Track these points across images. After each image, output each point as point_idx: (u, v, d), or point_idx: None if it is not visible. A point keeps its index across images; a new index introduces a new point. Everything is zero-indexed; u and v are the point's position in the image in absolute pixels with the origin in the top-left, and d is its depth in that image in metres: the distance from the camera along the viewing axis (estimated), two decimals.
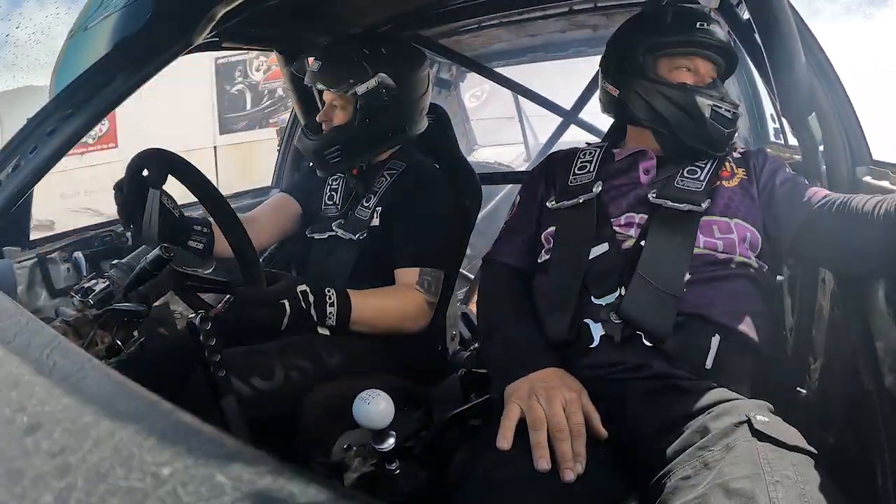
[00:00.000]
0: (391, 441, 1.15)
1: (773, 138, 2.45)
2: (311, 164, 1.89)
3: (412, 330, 1.60)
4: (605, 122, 1.66)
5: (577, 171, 1.49)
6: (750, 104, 2.59)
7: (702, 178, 1.38)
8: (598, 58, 1.59)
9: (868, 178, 1.42)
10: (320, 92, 1.82)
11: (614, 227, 1.35)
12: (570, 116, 3.08)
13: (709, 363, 1.18)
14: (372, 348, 1.58)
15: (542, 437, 1.06)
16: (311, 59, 1.78)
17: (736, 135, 1.46)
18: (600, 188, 1.41)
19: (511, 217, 1.56)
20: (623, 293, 1.24)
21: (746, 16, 1.54)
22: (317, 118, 1.78)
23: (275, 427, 1.37)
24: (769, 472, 0.95)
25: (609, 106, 1.55)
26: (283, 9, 1.83)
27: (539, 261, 1.43)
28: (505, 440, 1.07)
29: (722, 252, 1.29)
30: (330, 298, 1.45)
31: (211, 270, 1.67)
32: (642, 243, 1.29)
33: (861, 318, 1.19)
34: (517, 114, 4.83)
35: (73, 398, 0.43)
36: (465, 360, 1.78)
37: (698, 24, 1.42)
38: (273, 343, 1.52)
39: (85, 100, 1.39)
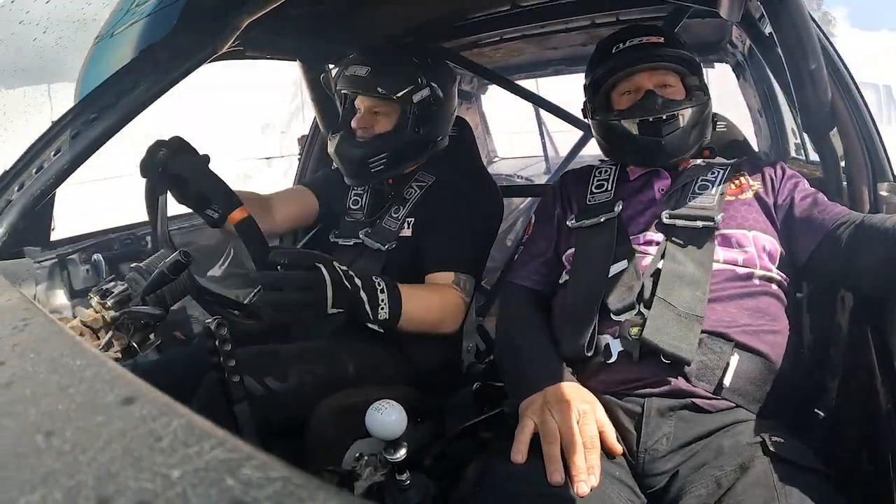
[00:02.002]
0: (403, 452, 1.14)
1: (793, 153, 2.43)
2: (338, 169, 1.86)
3: (447, 331, 1.59)
4: None
5: (594, 190, 1.50)
6: (771, 119, 2.57)
7: (713, 192, 1.38)
8: None
9: (889, 195, 1.41)
10: (350, 99, 1.80)
11: (633, 245, 1.35)
12: (590, 130, 3.08)
13: (727, 382, 1.17)
14: (388, 358, 1.58)
15: (556, 450, 1.06)
16: (352, 66, 1.74)
17: (706, 132, 1.49)
18: (621, 207, 1.41)
19: (528, 238, 1.56)
20: (642, 310, 1.24)
21: (769, 30, 1.53)
22: (352, 124, 1.76)
23: (287, 432, 1.37)
24: (783, 494, 0.94)
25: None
26: (306, 19, 1.85)
27: (560, 281, 1.43)
28: (519, 454, 1.07)
29: (742, 266, 1.28)
30: (379, 285, 1.38)
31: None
32: (660, 265, 1.29)
33: (880, 337, 1.17)
34: (538, 127, 4.82)
35: (87, 398, 0.43)
36: (480, 373, 1.77)
37: (614, 48, 1.47)
38: (291, 346, 1.52)
39: (109, 104, 1.41)
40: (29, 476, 0.33)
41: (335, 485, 1.20)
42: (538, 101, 3.11)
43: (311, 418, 1.39)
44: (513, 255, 2.42)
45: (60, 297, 1.56)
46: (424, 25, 2.14)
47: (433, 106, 1.73)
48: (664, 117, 1.40)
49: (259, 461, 0.33)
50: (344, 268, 1.31)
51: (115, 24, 1.53)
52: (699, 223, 1.32)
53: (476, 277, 1.67)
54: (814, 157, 1.78)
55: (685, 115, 1.41)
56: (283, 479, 0.31)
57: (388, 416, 1.10)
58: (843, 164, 1.50)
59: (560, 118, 3.04)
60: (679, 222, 1.34)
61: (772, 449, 1.04)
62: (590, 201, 1.48)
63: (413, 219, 1.70)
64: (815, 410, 1.30)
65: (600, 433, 1.10)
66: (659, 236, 1.35)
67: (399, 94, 1.68)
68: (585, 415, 1.11)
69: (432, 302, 1.53)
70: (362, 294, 1.33)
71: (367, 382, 1.50)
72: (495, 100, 4.06)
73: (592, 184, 1.52)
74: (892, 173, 1.48)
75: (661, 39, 1.45)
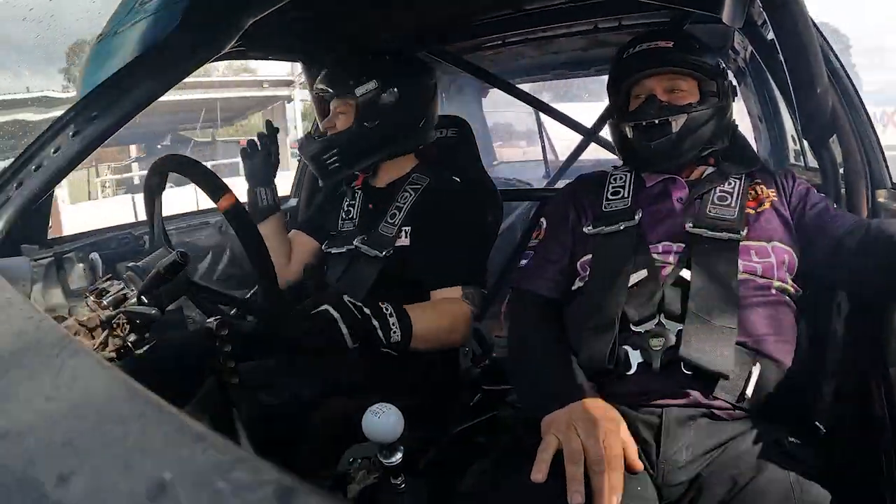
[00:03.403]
0: (398, 455, 1.14)
1: (792, 160, 2.43)
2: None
3: (457, 343, 1.61)
4: None
5: (610, 196, 1.48)
6: (771, 125, 2.58)
7: (733, 204, 1.37)
8: None
9: (887, 201, 1.41)
10: (329, 102, 1.82)
11: (652, 255, 1.33)
12: (590, 135, 3.07)
13: (749, 393, 1.16)
14: (385, 364, 1.56)
15: (579, 471, 1.03)
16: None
17: (712, 138, 1.46)
18: (640, 215, 1.40)
19: (540, 243, 1.52)
20: (662, 320, 1.23)
21: (771, 36, 1.53)
22: (322, 125, 1.80)
23: (282, 438, 1.36)
24: (799, 492, 0.96)
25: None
26: (308, 20, 1.86)
27: (573, 288, 1.41)
28: (540, 473, 1.03)
29: (761, 276, 1.27)
30: (387, 309, 1.40)
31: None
32: (683, 274, 1.27)
33: (875, 342, 1.17)
34: (538, 131, 4.83)
35: (80, 398, 0.43)
36: (476, 377, 1.77)
37: (626, 52, 1.49)
38: (284, 358, 1.52)
39: (110, 103, 1.41)
40: (17, 480, 0.33)
41: (327, 488, 1.20)
42: (539, 105, 3.11)
43: (307, 424, 1.38)
44: (510, 259, 2.43)
45: (57, 296, 1.56)
46: (427, 27, 2.15)
47: (384, 100, 1.72)
48: (656, 122, 1.40)
49: (251, 464, 0.33)
50: (351, 300, 1.34)
51: (118, 22, 1.53)
52: (724, 234, 1.31)
53: (482, 287, 1.66)
54: (813, 163, 1.78)
55: (678, 121, 1.40)
56: (275, 482, 0.31)
57: (385, 420, 1.10)
58: (841, 170, 1.50)
59: (560, 122, 3.05)
60: (705, 233, 1.32)
61: (788, 450, 1.05)
62: (606, 208, 1.46)
63: (409, 227, 1.69)
64: (816, 424, 1.30)
65: (624, 451, 1.07)
66: (679, 246, 1.33)
67: (341, 90, 1.72)
68: (611, 433, 1.07)
69: (442, 318, 1.53)
70: (374, 322, 1.35)
71: (364, 388, 1.49)
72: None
73: (608, 190, 1.50)
74: (891, 180, 1.48)
75: (671, 44, 1.44)
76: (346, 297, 1.33)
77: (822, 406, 1.31)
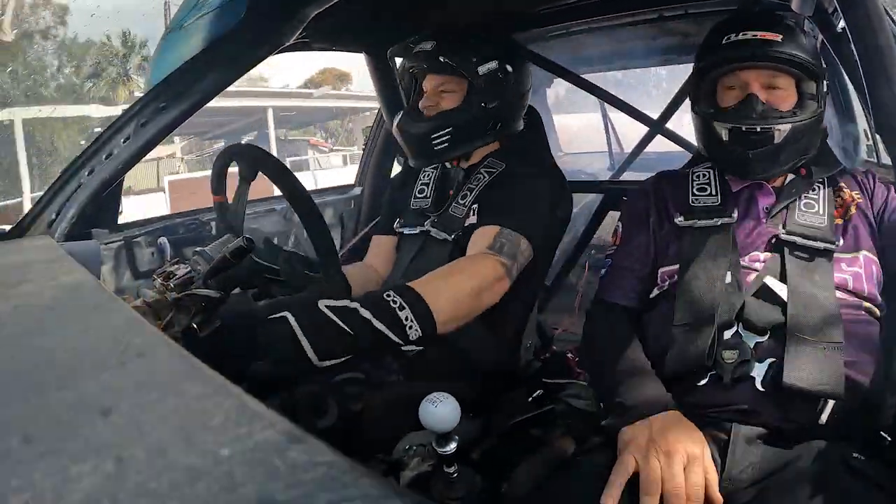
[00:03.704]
0: (453, 445, 1.14)
1: (864, 156, 2.32)
2: (403, 156, 1.82)
3: (494, 300, 1.39)
4: (692, 133, 1.58)
5: (696, 192, 1.40)
6: (842, 118, 2.46)
7: (821, 212, 1.29)
8: (688, 66, 1.53)
9: None
10: (418, 80, 1.75)
11: (740, 259, 1.26)
12: (656, 126, 3.00)
13: (823, 419, 1.09)
14: (440, 355, 1.54)
15: (655, 501, 1.00)
16: (419, 43, 1.69)
17: (809, 147, 1.34)
18: (736, 214, 1.32)
19: (619, 250, 1.45)
20: (740, 330, 1.17)
21: (842, 24, 1.46)
22: (420, 105, 1.70)
23: (341, 428, 1.37)
24: None
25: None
26: (373, 11, 1.86)
27: (651, 296, 1.36)
28: (611, 499, 1.00)
29: (851, 290, 1.20)
30: (395, 301, 1.15)
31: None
32: (770, 284, 1.20)
33: None
34: (603, 122, 4.74)
35: (144, 375, 0.44)
36: (536, 371, 1.75)
37: (724, 38, 1.33)
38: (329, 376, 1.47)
39: (178, 94, 1.46)
40: (83, 446, 0.34)
41: (382, 473, 1.21)
42: (605, 96, 3.06)
43: (365, 409, 1.39)
44: (571, 252, 2.40)
45: (126, 278, 1.62)
46: (491, 16, 2.13)
47: (502, 81, 1.67)
48: (758, 129, 1.27)
49: (307, 445, 0.33)
50: (343, 302, 1.10)
51: (185, 16, 1.58)
52: (820, 244, 1.23)
53: (527, 237, 1.50)
54: (886, 159, 1.69)
55: (782, 129, 1.27)
56: (329, 464, 0.31)
57: (441, 409, 1.10)
58: None
59: (627, 113, 2.98)
60: (799, 240, 1.24)
61: (854, 465, 0.99)
62: (694, 203, 1.38)
63: (477, 205, 1.63)
64: (882, 434, 1.24)
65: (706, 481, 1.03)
66: (766, 255, 1.26)
67: (463, 65, 1.63)
68: (695, 461, 1.02)
69: (463, 281, 1.32)
70: (377, 324, 1.10)
71: (423, 376, 1.48)
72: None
73: (693, 186, 1.41)
74: None
75: (779, 37, 1.29)
76: (325, 302, 1.09)
77: (888, 416, 1.25)
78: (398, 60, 1.93)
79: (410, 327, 1.14)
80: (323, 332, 1.05)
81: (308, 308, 1.07)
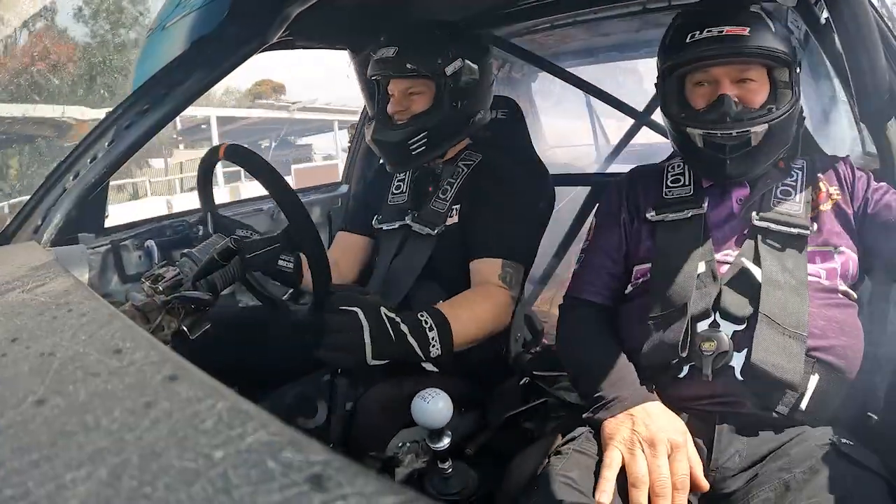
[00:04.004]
0: (446, 440, 1.15)
1: (849, 145, 2.34)
2: (381, 161, 1.82)
3: (497, 329, 1.50)
4: None
5: (670, 184, 1.40)
6: (827, 108, 2.48)
7: (798, 199, 1.28)
8: None
9: None
10: (383, 84, 1.74)
11: (713, 249, 1.26)
12: (641, 118, 3.01)
13: (803, 405, 1.10)
14: None
15: (644, 496, 1.01)
16: (380, 50, 1.68)
17: (786, 140, 1.32)
18: (707, 204, 1.31)
19: (591, 246, 1.45)
20: (718, 319, 1.17)
21: (826, 15, 1.47)
22: (389, 110, 1.69)
23: (335, 426, 1.37)
24: (857, 496, 0.92)
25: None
26: (356, 8, 1.86)
27: (626, 292, 1.37)
28: (605, 494, 1.01)
29: (825, 279, 1.21)
30: (426, 322, 1.26)
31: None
32: (748, 271, 1.20)
33: None
34: (588, 115, 4.74)
35: (136, 379, 0.44)
36: (526, 363, 1.76)
37: (689, 36, 1.27)
38: (318, 376, 1.49)
39: (162, 96, 1.45)
40: (76, 453, 0.34)
41: (376, 470, 1.21)
42: (589, 89, 3.07)
43: (357, 407, 1.39)
44: (559, 245, 2.41)
45: (113, 282, 1.61)
46: (476, 11, 2.13)
47: (468, 78, 1.67)
48: (733, 133, 1.24)
49: (300, 445, 0.33)
50: (391, 314, 1.22)
51: (167, 17, 1.57)
52: (794, 230, 1.23)
53: (525, 266, 1.60)
54: (870, 148, 1.71)
55: (758, 131, 1.24)
56: (323, 463, 0.31)
57: (433, 405, 1.11)
58: None
59: (612, 105, 2.99)
60: (773, 226, 1.24)
61: (844, 451, 1.00)
62: (667, 195, 1.38)
63: (459, 205, 1.64)
64: (870, 415, 1.25)
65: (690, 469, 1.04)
66: (739, 242, 1.26)
67: (430, 68, 1.62)
68: (678, 450, 1.04)
69: (480, 312, 1.44)
70: (410, 339, 1.22)
71: (415, 373, 1.48)
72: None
73: (667, 178, 1.41)
74: None
75: (746, 30, 1.24)
76: (383, 309, 1.21)
77: (876, 398, 1.26)
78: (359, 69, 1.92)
79: (433, 346, 1.25)
80: (380, 334, 1.16)
81: (372, 310, 1.17)
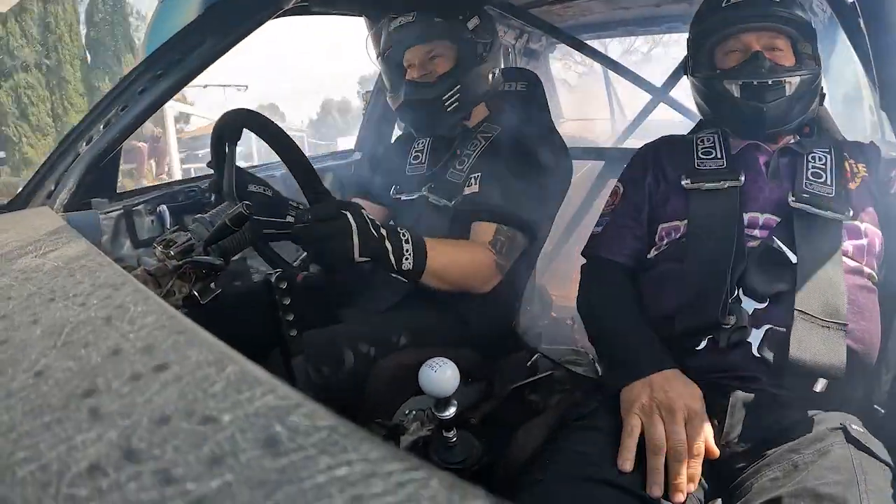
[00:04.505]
0: (452, 410, 1.16)
1: (869, 132, 2.30)
2: (400, 131, 1.81)
3: (477, 290, 1.52)
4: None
5: (702, 155, 1.40)
6: (847, 94, 2.44)
7: (829, 181, 1.28)
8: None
9: None
10: (403, 51, 1.73)
11: (743, 223, 1.26)
12: (660, 94, 2.98)
13: (818, 387, 1.11)
14: (444, 320, 1.57)
15: (661, 462, 1.02)
16: (396, 20, 1.68)
17: (811, 105, 1.36)
18: (743, 177, 1.31)
19: (616, 209, 1.46)
20: (741, 295, 1.18)
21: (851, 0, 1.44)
22: (413, 77, 1.69)
23: (343, 393, 1.39)
24: (863, 481, 0.92)
25: (694, 99, 1.50)
26: None
27: (649, 256, 1.37)
28: (628, 462, 1.02)
29: (852, 259, 1.20)
30: (404, 235, 1.33)
31: None
32: (778, 248, 1.21)
33: None
34: (605, 89, 4.69)
35: (146, 343, 0.44)
36: (534, 336, 1.76)
37: (725, 1, 1.34)
38: (341, 327, 1.52)
39: (175, 61, 1.44)
40: (87, 415, 0.35)
41: (382, 437, 1.22)
42: (607, 62, 3.03)
43: (369, 377, 1.41)
44: (572, 218, 2.40)
45: (125, 247, 1.62)
46: None
47: (484, 34, 1.68)
48: (769, 82, 1.29)
49: (308, 409, 0.33)
50: (371, 216, 1.26)
51: None
52: (829, 213, 1.23)
53: (525, 235, 1.59)
54: (890, 136, 1.68)
55: (793, 82, 1.30)
56: (330, 428, 0.31)
57: (440, 374, 1.11)
58: None
59: (630, 80, 2.96)
60: (809, 209, 1.24)
61: (854, 436, 1.01)
62: (699, 166, 1.38)
63: (479, 174, 1.64)
64: (877, 407, 1.25)
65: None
66: (770, 219, 1.26)
67: (455, 27, 1.65)
68: (695, 416, 1.06)
69: (460, 259, 1.47)
70: (387, 244, 1.28)
71: (425, 344, 1.50)
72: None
73: (698, 149, 1.41)
74: None
75: None
76: (365, 212, 1.25)
77: (882, 390, 1.26)
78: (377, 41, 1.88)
79: (406, 258, 1.31)
80: (364, 231, 1.21)
81: (357, 211, 1.23)
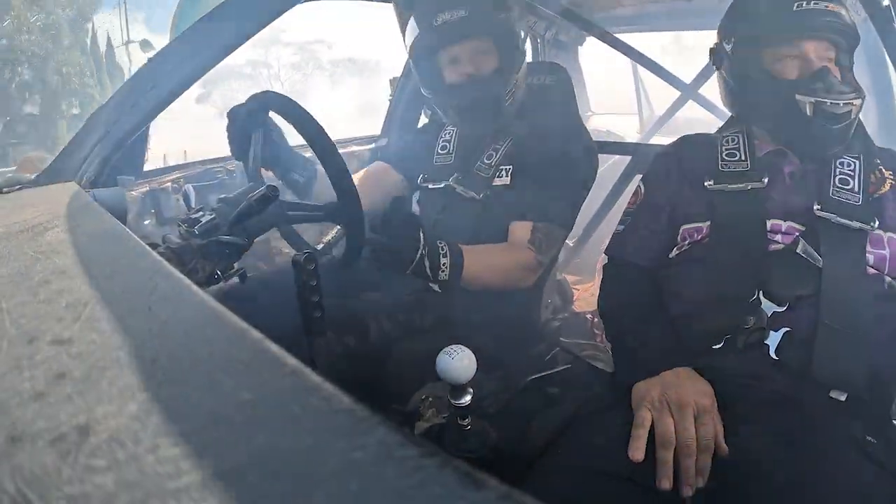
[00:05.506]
0: (468, 397, 1.15)
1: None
2: (470, 122, 1.72)
3: (518, 287, 1.56)
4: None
5: (725, 157, 1.37)
6: (882, 98, 2.39)
7: (856, 189, 1.24)
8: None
9: None
10: (442, 54, 1.68)
11: (766, 227, 1.24)
12: (689, 91, 2.94)
13: (835, 395, 1.10)
14: (465, 310, 1.57)
15: (670, 455, 1.02)
16: (443, 14, 1.60)
17: (856, 125, 1.30)
18: (767, 180, 1.29)
19: (638, 209, 1.44)
20: (760, 297, 1.16)
21: (887, 2, 1.41)
22: (461, 74, 1.65)
23: (361, 374, 1.40)
24: (870, 494, 0.92)
25: (724, 96, 1.45)
26: None
27: (671, 255, 1.35)
28: (639, 452, 1.02)
29: (873, 268, 1.18)
30: (443, 249, 1.38)
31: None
32: (803, 259, 1.18)
33: None
34: (634, 83, 4.65)
35: (170, 320, 0.45)
36: (554, 329, 1.76)
37: (796, 4, 1.25)
38: (365, 302, 1.54)
39: (203, 44, 1.45)
40: (107, 388, 0.35)
41: (397, 423, 1.23)
42: (636, 57, 3.00)
43: (388, 361, 1.41)
44: (596, 213, 2.38)
45: (150, 224, 1.64)
46: None
47: (517, 26, 1.70)
48: (841, 104, 1.22)
49: (326, 392, 0.33)
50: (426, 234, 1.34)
51: None
52: (856, 223, 1.20)
53: (563, 228, 1.60)
54: None
55: (857, 105, 1.25)
56: (347, 412, 0.31)
57: (458, 361, 1.11)
58: None
59: (659, 76, 2.93)
60: (834, 218, 1.21)
61: (866, 448, 1.00)
62: (723, 167, 1.35)
63: (511, 166, 1.63)
64: (894, 422, 1.23)
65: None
66: (793, 226, 1.24)
67: (504, 22, 1.64)
68: (705, 412, 1.05)
69: (499, 262, 1.52)
70: (426, 261, 1.34)
71: (443, 329, 1.50)
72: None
73: (722, 151, 1.38)
74: None
75: (843, 10, 1.26)
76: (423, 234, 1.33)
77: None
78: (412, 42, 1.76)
79: (443, 272, 1.37)
80: (425, 248, 1.32)
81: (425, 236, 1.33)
